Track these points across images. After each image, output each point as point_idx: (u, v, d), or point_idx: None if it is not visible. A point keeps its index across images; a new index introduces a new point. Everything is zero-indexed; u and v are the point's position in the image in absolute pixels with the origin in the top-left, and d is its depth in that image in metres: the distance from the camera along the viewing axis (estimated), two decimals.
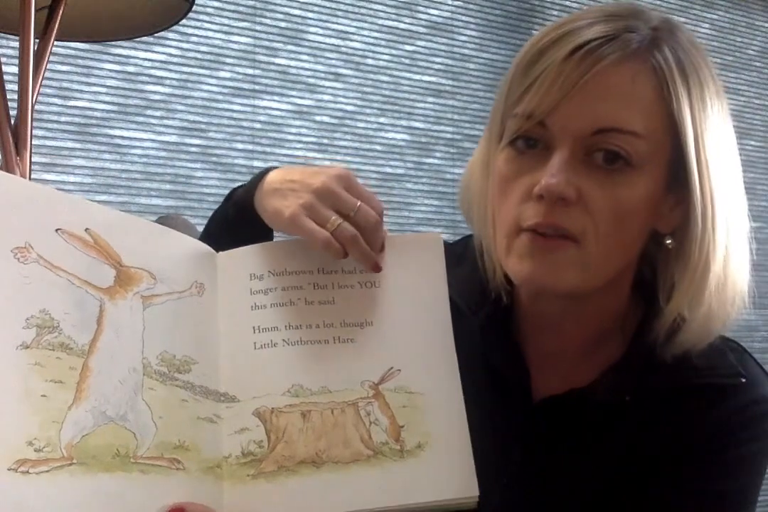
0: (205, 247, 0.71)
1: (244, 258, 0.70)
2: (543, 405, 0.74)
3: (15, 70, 1.15)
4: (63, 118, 2.23)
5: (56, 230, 0.63)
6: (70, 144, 2.23)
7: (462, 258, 0.78)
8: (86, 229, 0.64)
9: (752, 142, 3.35)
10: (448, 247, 0.75)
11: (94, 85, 2.28)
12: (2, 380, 0.57)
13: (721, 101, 0.68)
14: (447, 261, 0.71)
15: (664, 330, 0.68)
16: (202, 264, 0.69)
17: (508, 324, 0.78)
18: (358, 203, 0.65)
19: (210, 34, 2.46)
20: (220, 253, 0.71)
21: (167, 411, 0.63)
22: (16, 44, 1.14)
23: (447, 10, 2.88)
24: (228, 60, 2.47)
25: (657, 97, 0.65)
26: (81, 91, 2.26)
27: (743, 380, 0.70)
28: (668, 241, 0.69)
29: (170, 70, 2.38)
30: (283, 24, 2.58)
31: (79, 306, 0.62)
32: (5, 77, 1.16)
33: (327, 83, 2.63)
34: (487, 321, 0.77)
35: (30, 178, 1.15)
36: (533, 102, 0.64)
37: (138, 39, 1.60)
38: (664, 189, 0.67)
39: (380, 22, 2.75)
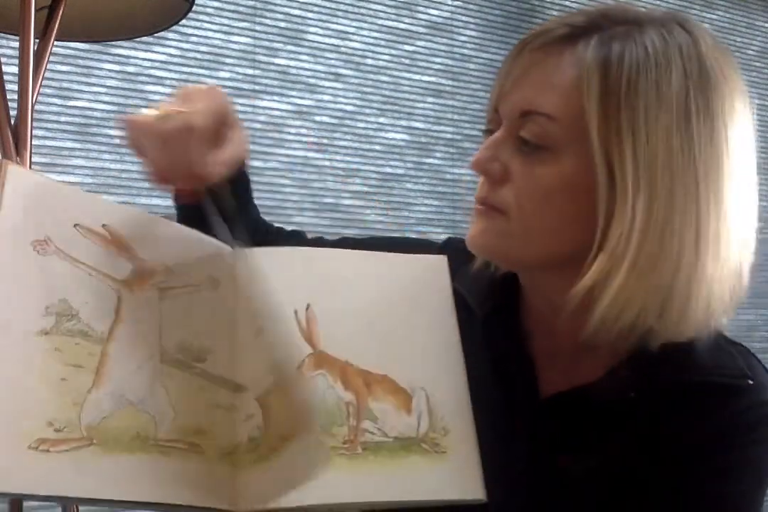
0: (220, 244, 0.73)
1: (263, 256, 0.73)
2: (549, 402, 0.74)
3: (15, 70, 1.15)
4: (63, 118, 2.23)
5: (74, 225, 0.65)
6: (70, 144, 2.23)
7: (473, 256, 0.79)
8: (103, 225, 0.67)
9: None
10: (461, 245, 0.77)
11: (94, 85, 2.28)
12: (22, 364, 0.58)
13: (686, 97, 0.67)
14: (458, 259, 0.77)
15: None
16: (216, 259, 0.72)
17: (513, 322, 0.79)
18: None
19: (210, 34, 2.46)
20: (240, 248, 0.73)
21: (186, 397, 0.64)
22: (16, 44, 1.14)
23: (447, 10, 2.88)
24: (228, 60, 2.47)
25: (573, 87, 0.67)
26: (81, 91, 2.26)
27: (750, 382, 0.70)
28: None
29: (170, 70, 2.38)
30: (283, 24, 2.58)
31: (98, 296, 0.64)
32: (5, 77, 1.16)
33: (327, 83, 2.63)
34: (493, 317, 0.79)
35: None
36: (492, 92, 0.74)
37: (138, 39, 1.60)
38: (595, 175, 0.66)
39: (380, 22, 2.75)
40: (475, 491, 0.68)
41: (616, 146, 0.65)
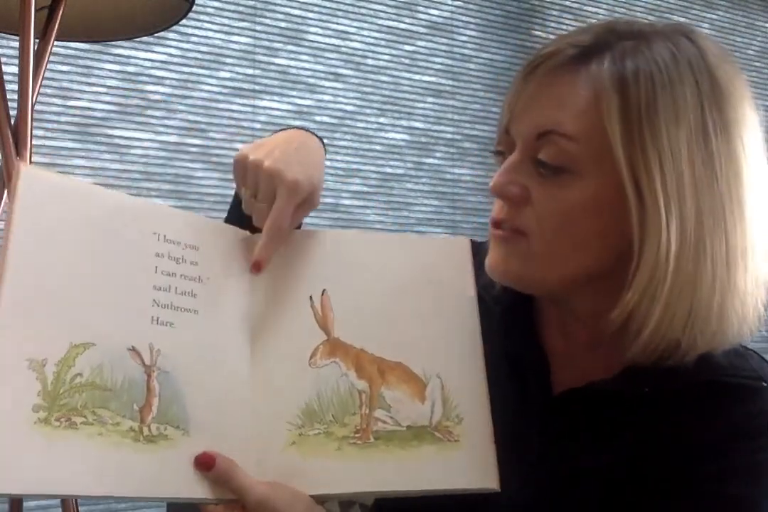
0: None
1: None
2: (562, 398, 0.75)
3: (15, 70, 1.15)
4: (63, 118, 2.23)
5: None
6: (70, 144, 2.23)
7: (482, 250, 0.79)
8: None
9: None
10: (479, 243, 0.79)
11: (94, 85, 2.28)
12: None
13: (701, 112, 0.67)
14: (475, 256, 0.77)
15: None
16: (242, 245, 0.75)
17: (528, 317, 0.80)
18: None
19: (210, 34, 2.46)
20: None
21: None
22: (16, 44, 1.15)
23: (447, 10, 2.88)
24: (228, 60, 2.47)
25: (591, 105, 0.66)
26: (81, 91, 2.26)
27: (765, 384, 0.70)
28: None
29: (170, 70, 2.38)
30: (283, 24, 2.58)
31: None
32: (5, 77, 1.16)
33: (327, 83, 2.63)
34: (508, 313, 0.79)
35: None
36: (502, 113, 0.72)
37: (138, 39, 1.60)
38: (619, 195, 0.66)
39: (380, 22, 2.75)
40: (489, 480, 0.68)
41: (643, 165, 0.65)
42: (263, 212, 0.72)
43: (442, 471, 0.68)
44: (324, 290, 0.72)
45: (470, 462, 0.68)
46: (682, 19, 2.99)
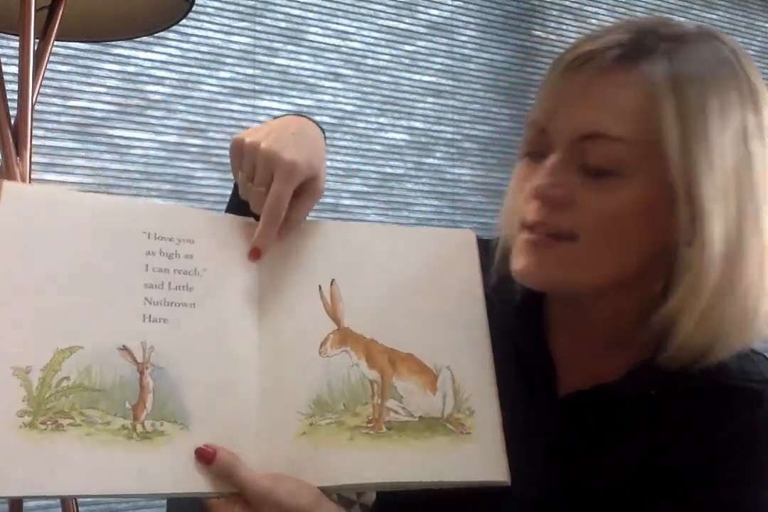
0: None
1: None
2: (568, 400, 0.74)
3: (15, 70, 1.15)
4: (63, 118, 2.23)
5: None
6: (70, 144, 2.23)
7: (493, 252, 0.79)
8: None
9: None
10: (486, 240, 0.79)
11: (94, 85, 2.28)
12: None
13: (742, 113, 0.67)
14: (482, 256, 0.77)
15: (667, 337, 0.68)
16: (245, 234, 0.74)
17: (536, 318, 0.79)
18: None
19: (210, 34, 2.46)
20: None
21: None
22: (16, 44, 1.15)
23: (447, 10, 2.88)
24: (228, 60, 2.47)
25: (642, 107, 0.66)
26: (81, 91, 2.26)
27: None
28: (684, 252, 0.68)
29: (170, 70, 2.38)
30: (283, 24, 2.58)
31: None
32: (5, 77, 1.16)
33: (327, 83, 2.63)
34: (516, 314, 0.79)
35: (30, 178, 1.15)
36: (538, 111, 0.70)
37: (138, 39, 1.60)
38: (672, 199, 0.66)
39: (380, 22, 2.75)
40: (500, 473, 0.67)
41: (696, 167, 0.65)
42: (260, 196, 0.70)
43: (454, 463, 0.67)
44: (333, 280, 0.72)
45: (482, 455, 0.68)
46: (682, 20, 2.99)
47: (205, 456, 0.63)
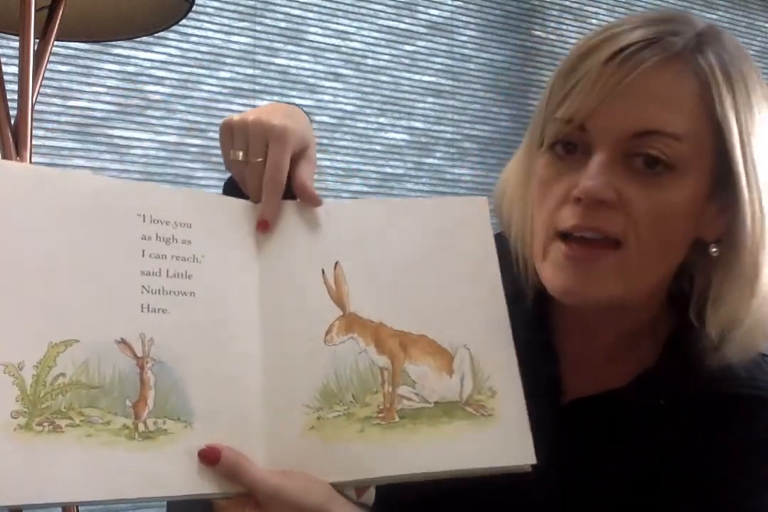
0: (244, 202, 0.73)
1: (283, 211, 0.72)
2: (573, 406, 0.73)
3: (15, 70, 1.15)
4: (63, 118, 2.23)
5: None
6: (70, 144, 2.23)
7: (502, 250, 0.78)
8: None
9: None
10: (498, 237, 0.75)
11: (94, 85, 2.28)
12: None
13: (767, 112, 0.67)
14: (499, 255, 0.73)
15: (708, 340, 0.67)
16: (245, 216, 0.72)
17: (543, 323, 0.77)
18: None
19: (210, 34, 2.45)
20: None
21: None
22: (16, 44, 1.15)
23: (447, 10, 2.88)
24: (228, 60, 2.47)
25: (699, 101, 0.64)
26: (81, 91, 2.26)
27: None
28: (713, 250, 0.67)
29: (170, 70, 2.38)
30: (283, 24, 2.58)
31: None
32: (5, 77, 1.16)
33: (327, 83, 2.63)
34: (522, 317, 0.75)
35: None
36: (573, 106, 0.64)
37: (138, 39, 1.60)
38: (708, 195, 0.65)
39: (380, 22, 2.75)
40: (527, 456, 0.62)
41: (752, 162, 0.64)
42: (257, 168, 0.68)
43: (476, 448, 0.62)
44: (336, 262, 0.68)
45: (507, 437, 0.63)
46: None
47: (209, 458, 0.60)
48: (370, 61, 2.71)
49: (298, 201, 0.70)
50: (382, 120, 2.71)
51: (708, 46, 0.66)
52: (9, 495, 0.53)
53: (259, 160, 0.68)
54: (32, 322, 0.58)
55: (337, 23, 2.67)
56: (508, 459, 0.63)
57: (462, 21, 2.91)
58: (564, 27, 3.10)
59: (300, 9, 2.61)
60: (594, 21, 3.16)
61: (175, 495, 0.59)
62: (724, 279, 0.66)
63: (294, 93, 2.57)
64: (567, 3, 3.13)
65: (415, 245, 0.70)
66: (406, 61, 2.78)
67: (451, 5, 2.89)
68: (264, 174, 0.68)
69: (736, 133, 0.64)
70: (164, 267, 0.64)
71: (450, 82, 2.85)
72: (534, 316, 0.76)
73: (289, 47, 2.58)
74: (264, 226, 0.68)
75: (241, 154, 0.69)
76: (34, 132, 1.19)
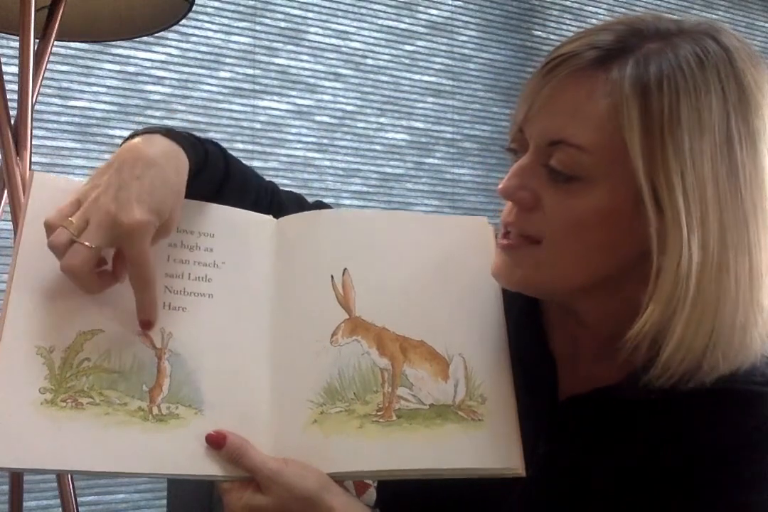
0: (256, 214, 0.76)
1: (296, 221, 0.76)
2: (568, 404, 0.74)
3: (15, 70, 1.15)
4: (63, 118, 2.23)
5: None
6: (70, 144, 2.23)
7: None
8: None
9: None
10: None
11: (94, 85, 2.28)
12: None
13: (726, 119, 0.64)
14: None
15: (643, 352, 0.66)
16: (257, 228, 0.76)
17: (537, 323, 0.79)
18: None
19: (210, 34, 2.46)
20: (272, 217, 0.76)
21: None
22: (16, 44, 1.15)
23: (447, 10, 2.88)
24: (228, 60, 2.47)
25: (609, 115, 0.63)
26: (81, 91, 2.26)
27: None
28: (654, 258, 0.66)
29: (170, 70, 2.38)
30: (283, 24, 2.58)
31: None
32: (5, 77, 1.16)
33: (327, 83, 2.63)
34: (518, 317, 0.78)
35: None
36: (516, 110, 0.70)
37: (138, 39, 1.60)
38: (634, 205, 0.64)
39: (380, 22, 2.75)
40: (513, 460, 0.67)
41: (663, 177, 0.62)
42: (87, 253, 0.62)
43: (466, 450, 0.67)
44: (345, 269, 0.72)
45: (494, 442, 0.68)
46: None
47: (215, 442, 0.64)
48: (370, 61, 2.72)
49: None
50: (382, 120, 2.71)
51: (640, 54, 0.64)
52: (33, 460, 0.59)
53: (94, 247, 0.62)
54: (66, 313, 0.65)
55: (337, 23, 2.67)
56: (493, 462, 0.67)
57: (462, 21, 2.91)
58: (564, 27, 3.10)
59: (300, 9, 2.61)
60: (594, 21, 3.16)
61: (181, 474, 0.64)
62: (664, 289, 0.64)
63: (294, 93, 2.57)
64: (567, 3, 3.13)
65: (421, 257, 0.75)
66: (406, 61, 2.78)
67: (451, 5, 2.89)
68: (130, 270, 0.64)
69: (640, 147, 0.62)
70: (186, 271, 0.70)
71: (450, 82, 2.85)
72: (528, 317, 0.78)
73: (289, 47, 2.58)
74: (147, 326, 0.66)
75: (74, 230, 0.62)
76: (34, 132, 1.19)
